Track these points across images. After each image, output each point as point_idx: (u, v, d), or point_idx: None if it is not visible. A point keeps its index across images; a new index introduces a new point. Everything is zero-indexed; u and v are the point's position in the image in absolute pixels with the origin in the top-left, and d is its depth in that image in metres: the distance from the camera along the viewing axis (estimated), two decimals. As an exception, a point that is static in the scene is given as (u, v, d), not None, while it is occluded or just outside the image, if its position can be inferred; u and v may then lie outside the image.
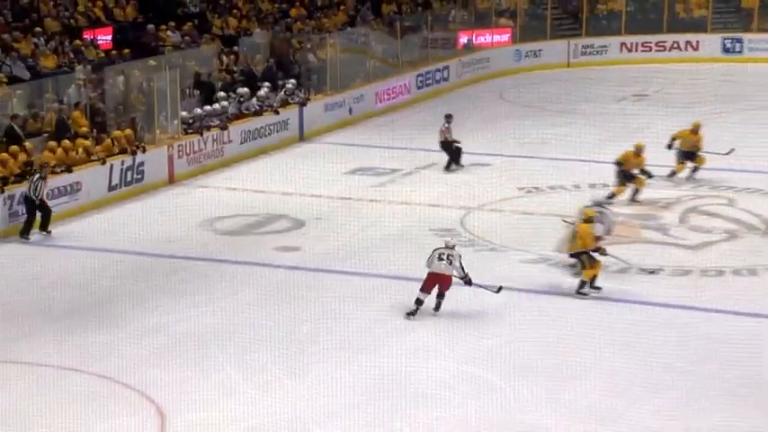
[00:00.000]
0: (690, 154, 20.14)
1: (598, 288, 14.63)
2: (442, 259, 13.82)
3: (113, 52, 24.04)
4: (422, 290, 13.85)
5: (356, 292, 14.70)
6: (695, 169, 20.23)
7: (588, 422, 11.04)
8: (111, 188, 19.62)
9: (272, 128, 23.71)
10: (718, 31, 33.57)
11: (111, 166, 19.68)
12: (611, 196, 18.62)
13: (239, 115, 23.04)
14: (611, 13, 34.70)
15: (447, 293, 13.86)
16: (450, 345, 13.07)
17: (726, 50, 33.32)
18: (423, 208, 18.73)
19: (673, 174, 20.20)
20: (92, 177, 19.23)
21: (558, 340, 13.04)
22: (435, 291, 13.90)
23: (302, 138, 24.41)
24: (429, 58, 30.30)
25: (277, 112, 23.88)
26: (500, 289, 14.05)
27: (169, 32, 26.00)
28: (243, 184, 20.59)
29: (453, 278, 13.86)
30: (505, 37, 33.37)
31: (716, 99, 27.01)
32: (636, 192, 18.98)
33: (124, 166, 19.90)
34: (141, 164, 20.22)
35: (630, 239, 17.03)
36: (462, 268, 13.86)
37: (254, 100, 23.64)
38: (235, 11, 29.33)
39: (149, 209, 19.00)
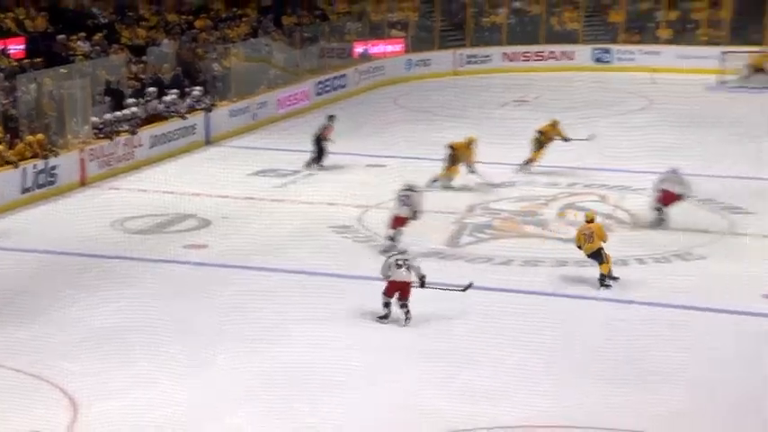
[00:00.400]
0: (543, 144, 20.97)
1: (616, 278, 14.64)
2: (401, 266, 13.22)
3: (26, 61, 23.43)
4: (386, 294, 13.28)
5: (261, 287, 14.57)
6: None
7: (478, 403, 11.09)
8: (24, 190, 19.10)
9: (179, 132, 23.38)
10: (589, 43, 34.20)
11: (24, 169, 19.17)
12: (436, 180, 19.43)
13: (148, 118, 22.68)
14: (493, 25, 35.10)
15: (404, 301, 13.29)
16: (351, 335, 13.03)
17: (596, 60, 33.95)
18: (323, 207, 18.67)
19: (529, 162, 20.84)
20: (4, 180, 18.70)
21: (452, 328, 13.10)
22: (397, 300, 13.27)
23: (209, 142, 24.13)
24: (327, 66, 30.28)
25: (184, 118, 23.56)
26: (468, 287, 13.54)
27: (80, 42, 25.46)
28: (152, 186, 20.25)
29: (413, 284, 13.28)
30: (398, 47, 33.51)
31: (588, 104, 27.53)
32: (442, 179, 19.53)
33: (37, 170, 19.41)
34: (54, 167, 19.74)
35: (512, 234, 17.22)
36: (420, 270, 13.38)
37: (160, 103, 23.31)
38: (143, 22, 28.86)
39: (62, 210, 18.58)
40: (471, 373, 11.83)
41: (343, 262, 15.67)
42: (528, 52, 34.21)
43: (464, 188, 19.76)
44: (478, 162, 19.88)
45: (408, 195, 16.26)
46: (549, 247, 16.35)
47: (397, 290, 13.29)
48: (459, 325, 13.20)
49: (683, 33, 33.72)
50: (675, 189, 17.29)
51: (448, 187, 19.60)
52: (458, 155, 19.71)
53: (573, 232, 16.81)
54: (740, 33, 32.59)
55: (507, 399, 11.16)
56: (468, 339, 12.77)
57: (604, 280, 14.62)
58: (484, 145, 21.36)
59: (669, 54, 32.69)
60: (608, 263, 14.66)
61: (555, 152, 21.18)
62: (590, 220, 15.03)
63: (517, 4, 35.68)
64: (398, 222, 16.21)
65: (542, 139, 21.10)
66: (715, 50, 31.34)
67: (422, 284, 13.39)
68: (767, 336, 12.89)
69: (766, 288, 14.26)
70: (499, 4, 35.38)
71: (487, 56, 34.15)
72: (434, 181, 19.53)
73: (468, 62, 33.95)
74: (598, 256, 14.73)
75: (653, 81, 30.40)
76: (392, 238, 16.11)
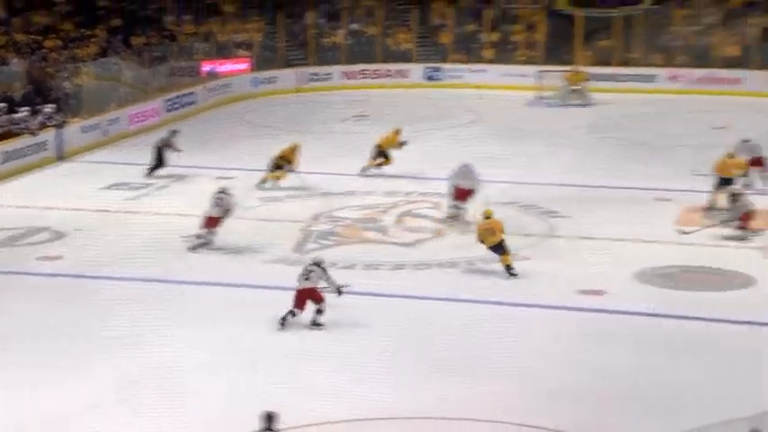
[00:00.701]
0: (385, 153, 21.63)
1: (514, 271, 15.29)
2: (304, 275, 13.31)
3: None
4: (296, 306, 13.25)
5: (115, 296, 14.34)
6: (381, 165, 21.68)
7: (322, 400, 11.22)
8: None
9: (31, 149, 22.75)
10: (422, 62, 34.89)
11: None
12: (264, 181, 20.52)
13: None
14: (333, 45, 35.41)
15: (319, 306, 13.27)
16: (201, 338, 12.99)
17: (428, 78, 34.67)
18: (174, 218, 18.49)
19: (368, 168, 21.51)
20: None
21: (299, 329, 13.21)
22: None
23: (61, 158, 23.53)
24: (177, 84, 29.95)
25: (35, 134, 22.91)
26: (340, 291, 13.51)
27: (-71, 63, 24.44)
28: (4, 201, 19.64)
29: (321, 291, 13.27)
30: (244, 66, 33.43)
31: (422, 118, 28.12)
32: (271, 181, 20.54)
33: None
34: None
35: (355, 240, 17.48)
36: (331, 279, 13.37)
37: (10, 120, 22.64)
38: (-8, 41, 27.93)
39: None
40: (315, 370, 11.95)
41: (195, 269, 15.59)
42: (366, 70, 34.66)
43: (310, 196, 19.93)
44: (301, 170, 20.34)
45: (222, 198, 16.79)
46: (389, 251, 16.66)
47: (306, 298, 13.27)
48: (307, 325, 13.32)
49: (505, 53, 34.81)
50: (466, 184, 18.12)
51: (277, 188, 20.44)
52: (283, 160, 20.60)
53: (410, 237, 17.20)
54: (554, 54, 33.89)
55: (346, 395, 11.30)
56: (316, 339, 12.91)
57: (510, 269, 15.27)
58: (328, 157, 21.63)
59: (494, 72, 33.68)
60: (508, 254, 15.30)
61: (394, 164, 21.62)
62: (488, 217, 15.62)
63: (355, 26, 36.13)
64: (211, 223, 16.59)
65: (382, 149, 21.56)
66: (532, 69, 32.47)
67: (339, 292, 13.42)
68: (583, 328, 13.50)
69: (581, 285, 14.91)
70: (338, 25, 35.73)
71: (328, 74, 34.43)
72: (263, 182, 20.53)
73: (311, 80, 34.16)
74: (500, 248, 15.34)
75: (480, 97, 31.30)
76: (202, 237, 16.49)
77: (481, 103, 30.73)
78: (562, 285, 14.92)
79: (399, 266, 15.89)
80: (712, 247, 16.52)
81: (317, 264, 13.49)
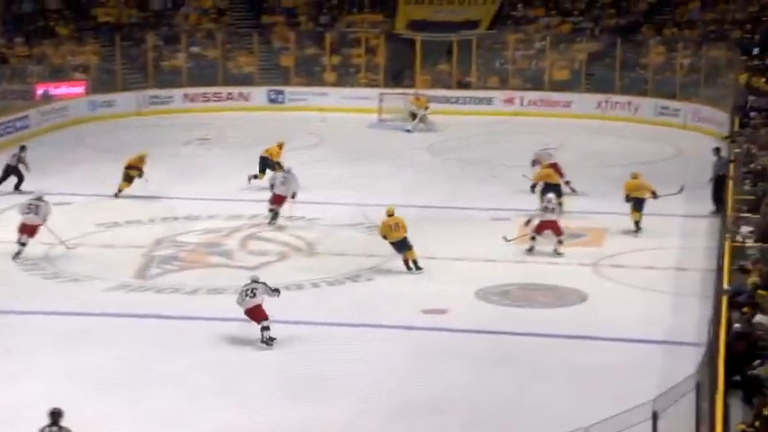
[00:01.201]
0: (272, 164, 22.31)
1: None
2: (248, 294, 13.33)
3: None
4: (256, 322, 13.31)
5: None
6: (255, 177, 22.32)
7: (163, 426, 11.01)
8: None
9: None
10: (264, 85, 34.82)
11: None
12: (119, 191, 21.20)
13: None
14: (173, 69, 34.92)
15: (266, 322, 13.33)
16: (43, 370, 12.54)
17: (271, 101, 34.61)
18: (9, 245, 17.76)
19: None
20: None
21: (140, 356, 12.93)
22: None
23: None
24: (9, 108, 28.91)
25: None
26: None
27: None
28: None
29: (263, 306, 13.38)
30: (80, 89, 32.56)
31: (266, 141, 28.01)
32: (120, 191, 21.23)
33: None
34: None
35: (199, 264, 17.24)
36: (272, 291, 13.53)
37: None
38: None
39: None
40: (155, 397, 11.78)
41: (32, 298, 15.06)
42: (207, 93, 34.30)
43: (152, 221, 19.56)
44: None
45: (38, 205, 17.28)
46: (233, 275, 16.48)
47: (253, 317, 13.36)
48: (143, 350, 13.05)
49: (346, 77, 35.14)
50: (281, 191, 19.29)
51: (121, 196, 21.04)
52: (133, 170, 21.42)
53: (255, 260, 17.09)
54: (394, 77, 34.45)
55: (190, 419, 11.16)
56: (164, 363, 12.69)
57: (416, 264, 16.03)
58: (171, 181, 21.26)
59: (336, 95, 33.89)
60: (412, 250, 16.01)
61: (239, 186, 21.48)
62: (391, 214, 16.43)
63: (195, 49, 35.74)
64: (26, 230, 17.09)
65: (269, 161, 22.31)
66: (374, 92, 32.88)
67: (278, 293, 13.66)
68: (427, 346, 13.71)
69: (424, 304, 15.15)
70: (178, 48, 35.27)
71: (170, 97, 33.89)
72: (116, 194, 21.06)
73: (152, 103, 33.54)
74: (403, 244, 15.94)
75: (323, 120, 31.43)
76: (23, 244, 17.05)
77: (324, 125, 30.88)
78: (405, 305, 15.11)
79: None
80: (546, 265, 17.07)
81: (256, 280, 13.63)
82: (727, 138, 23.01)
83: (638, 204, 18.83)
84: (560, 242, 17.48)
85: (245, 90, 34.56)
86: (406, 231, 16.29)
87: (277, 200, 19.45)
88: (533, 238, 17.48)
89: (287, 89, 34.67)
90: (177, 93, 34.01)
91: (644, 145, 27.62)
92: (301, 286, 15.96)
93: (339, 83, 34.73)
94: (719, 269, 13.34)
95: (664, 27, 34.33)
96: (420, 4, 37.05)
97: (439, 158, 26.68)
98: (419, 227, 19.24)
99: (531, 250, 17.43)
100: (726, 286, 12.38)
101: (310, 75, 35.29)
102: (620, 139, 28.58)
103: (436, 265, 16.92)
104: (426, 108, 31.04)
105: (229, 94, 34.42)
